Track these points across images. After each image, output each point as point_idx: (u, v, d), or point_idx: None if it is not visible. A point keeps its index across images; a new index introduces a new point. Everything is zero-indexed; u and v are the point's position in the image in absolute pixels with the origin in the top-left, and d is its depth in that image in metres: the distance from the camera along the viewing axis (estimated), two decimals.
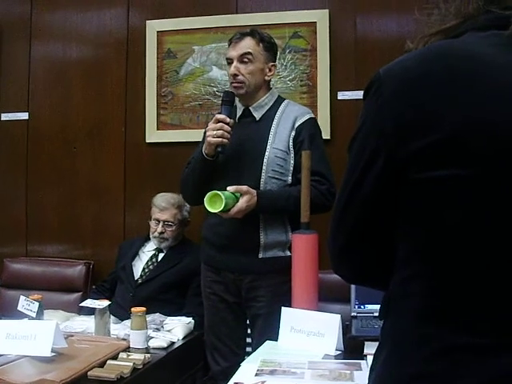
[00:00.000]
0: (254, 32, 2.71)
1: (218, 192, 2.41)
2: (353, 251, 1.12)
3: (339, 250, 1.14)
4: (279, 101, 2.76)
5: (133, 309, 2.42)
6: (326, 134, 3.39)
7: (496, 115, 0.92)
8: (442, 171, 0.93)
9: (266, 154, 2.62)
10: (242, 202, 2.49)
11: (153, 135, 3.83)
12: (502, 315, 0.93)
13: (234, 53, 2.67)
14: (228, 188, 2.48)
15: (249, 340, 2.86)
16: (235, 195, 2.48)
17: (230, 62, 2.70)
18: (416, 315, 1.00)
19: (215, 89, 3.73)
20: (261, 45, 2.69)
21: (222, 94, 2.74)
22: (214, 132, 2.55)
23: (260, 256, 2.63)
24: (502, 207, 0.92)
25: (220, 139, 2.54)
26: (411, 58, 1.03)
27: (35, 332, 2.14)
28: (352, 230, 1.09)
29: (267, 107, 2.72)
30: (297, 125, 2.66)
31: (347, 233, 1.10)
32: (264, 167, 2.61)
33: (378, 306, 3.26)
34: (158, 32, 3.83)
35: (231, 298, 2.72)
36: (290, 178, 2.65)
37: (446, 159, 0.93)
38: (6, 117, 4.11)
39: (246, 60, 2.65)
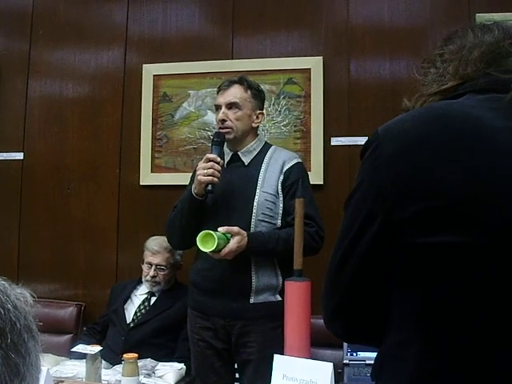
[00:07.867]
0: (242, 79, 2.76)
1: (211, 231, 2.41)
2: (347, 309, 1.11)
3: (333, 307, 1.13)
4: (267, 146, 2.80)
5: (125, 355, 2.39)
6: (318, 180, 3.42)
7: (495, 181, 0.91)
8: (438, 237, 0.92)
9: (256, 197, 2.63)
10: (233, 243, 2.48)
11: (147, 178, 3.85)
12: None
13: (222, 99, 2.72)
14: (219, 229, 2.48)
15: None
16: (226, 236, 2.48)
17: (218, 108, 2.74)
18: (409, 378, 0.99)
19: (210, 133, 3.74)
20: (249, 92, 2.74)
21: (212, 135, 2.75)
22: (205, 171, 2.56)
23: (251, 301, 2.61)
24: (501, 274, 0.91)
25: (210, 178, 2.55)
26: (410, 118, 1.02)
27: None
28: (347, 287, 1.08)
29: (255, 152, 2.75)
30: (285, 169, 2.69)
31: (342, 291, 1.09)
32: (254, 210, 2.62)
33: (370, 354, 3.24)
34: (154, 76, 3.88)
35: (220, 344, 2.67)
36: (280, 221, 2.66)
37: (443, 225, 0.92)
38: (0, 156, 4.11)
39: (233, 107, 2.69)
